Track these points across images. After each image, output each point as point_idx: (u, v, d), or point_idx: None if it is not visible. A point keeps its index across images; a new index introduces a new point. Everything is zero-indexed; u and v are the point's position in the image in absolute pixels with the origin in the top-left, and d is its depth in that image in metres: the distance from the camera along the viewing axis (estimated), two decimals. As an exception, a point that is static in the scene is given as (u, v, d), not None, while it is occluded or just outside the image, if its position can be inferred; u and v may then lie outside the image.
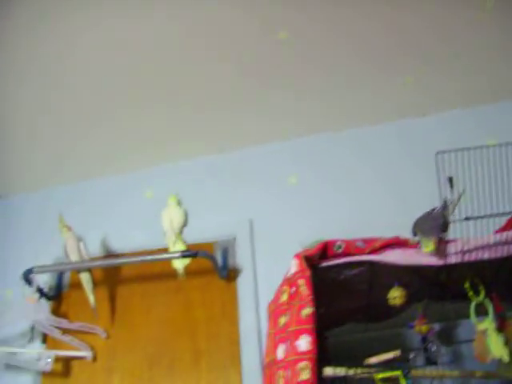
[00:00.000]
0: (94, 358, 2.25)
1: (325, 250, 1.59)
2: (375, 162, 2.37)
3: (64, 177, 2.67)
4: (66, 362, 2.26)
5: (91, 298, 2.26)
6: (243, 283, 2.23)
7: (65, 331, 2.22)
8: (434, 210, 1.51)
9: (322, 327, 1.66)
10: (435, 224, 1.45)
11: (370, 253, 1.58)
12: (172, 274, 2.30)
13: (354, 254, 1.58)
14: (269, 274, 2.15)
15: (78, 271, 2.29)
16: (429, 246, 1.44)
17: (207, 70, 2.11)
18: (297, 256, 1.54)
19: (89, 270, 2.29)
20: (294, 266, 1.54)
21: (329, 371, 1.46)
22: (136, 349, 2.24)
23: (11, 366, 2.21)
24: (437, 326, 1.74)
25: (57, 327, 2.21)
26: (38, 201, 2.69)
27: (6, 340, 2.27)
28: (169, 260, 2.28)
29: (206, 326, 2.22)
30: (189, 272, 2.29)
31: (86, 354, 2.22)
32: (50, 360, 2.11)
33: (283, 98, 2.28)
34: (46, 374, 2.23)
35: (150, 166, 2.61)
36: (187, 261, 2.27)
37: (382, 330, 1.84)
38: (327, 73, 2.17)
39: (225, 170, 2.53)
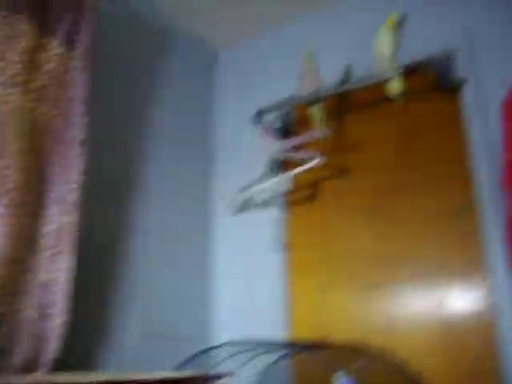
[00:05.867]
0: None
1: None
2: None
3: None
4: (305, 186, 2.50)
5: (322, 127, 2.39)
6: (467, 95, 2.16)
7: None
8: None
9: None
10: None
11: None
12: (391, 99, 2.29)
13: None
14: (495, 81, 2.03)
15: (308, 105, 2.42)
16: None
17: None
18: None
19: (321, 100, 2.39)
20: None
21: None
22: (365, 173, 2.39)
23: (261, 203, 2.57)
24: None
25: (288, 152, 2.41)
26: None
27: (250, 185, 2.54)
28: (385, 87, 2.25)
29: (430, 138, 2.26)
30: (407, 93, 2.25)
31: (317, 160, 2.24)
32: (289, 178, 2.36)
33: None
34: (291, 202, 2.53)
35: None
36: (403, 83, 2.21)
37: None
38: None
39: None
